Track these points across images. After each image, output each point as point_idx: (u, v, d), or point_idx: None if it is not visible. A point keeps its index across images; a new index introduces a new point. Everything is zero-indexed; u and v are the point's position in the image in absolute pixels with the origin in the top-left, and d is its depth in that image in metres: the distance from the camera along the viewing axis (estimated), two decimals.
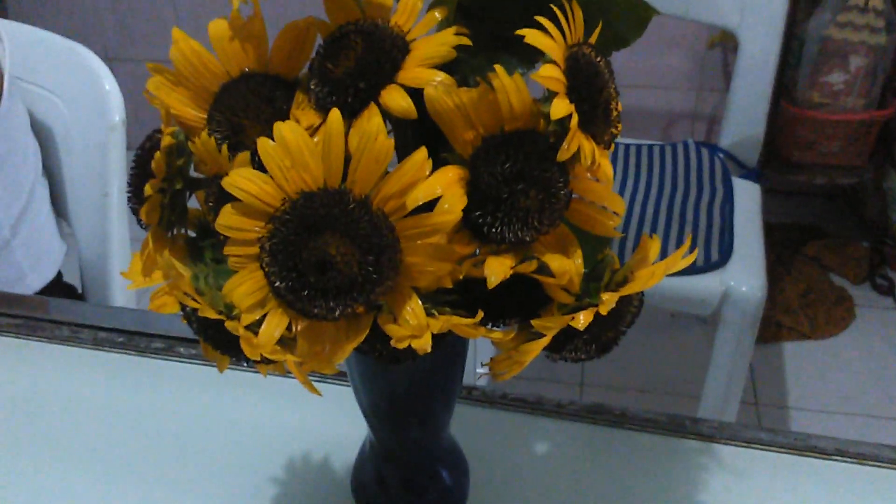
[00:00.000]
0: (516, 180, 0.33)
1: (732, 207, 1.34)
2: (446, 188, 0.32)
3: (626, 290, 0.36)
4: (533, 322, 0.34)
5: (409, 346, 0.35)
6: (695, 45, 2.01)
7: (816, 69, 1.72)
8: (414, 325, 0.33)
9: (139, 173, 0.38)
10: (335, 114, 0.32)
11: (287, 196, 0.32)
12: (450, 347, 0.45)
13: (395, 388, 0.46)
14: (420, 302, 0.33)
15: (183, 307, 0.35)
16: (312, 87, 0.35)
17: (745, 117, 1.51)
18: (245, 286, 0.33)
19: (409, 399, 0.47)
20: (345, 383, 0.64)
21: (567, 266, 0.34)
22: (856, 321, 1.89)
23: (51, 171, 1.01)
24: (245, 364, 0.35)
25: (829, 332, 1.85)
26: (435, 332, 0.33)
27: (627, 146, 1.50)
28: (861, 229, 2.05)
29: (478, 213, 0.34)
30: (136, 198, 0.38)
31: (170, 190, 0.37)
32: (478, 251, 0.35)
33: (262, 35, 0.37)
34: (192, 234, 0.38)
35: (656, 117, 2.09)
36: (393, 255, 0.32)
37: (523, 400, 0.59)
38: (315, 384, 0.35)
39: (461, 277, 0.34)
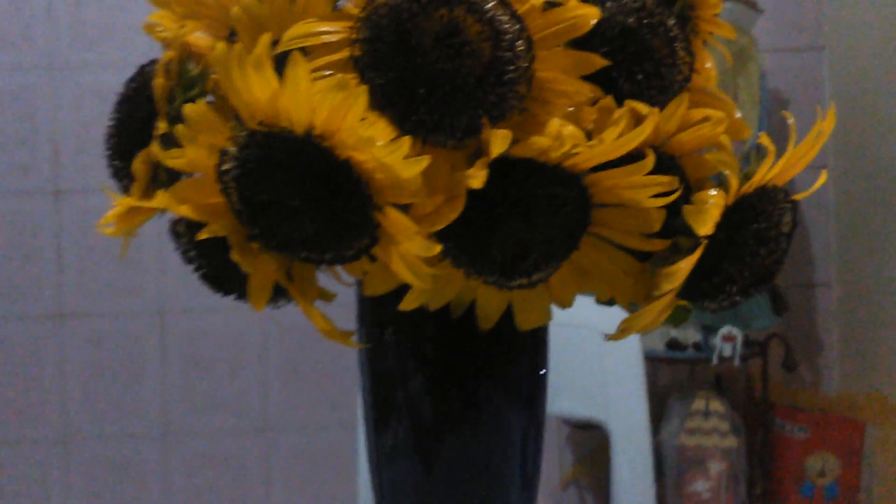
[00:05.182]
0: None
1: None
2: None
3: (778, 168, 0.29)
4: (708, 156, 0.26)
5: (534, 251, 0.26)
6: (549, 485, 1.98)
7: (680, 479, 1.72)
8: (567, 136, 0.24)
9: (124, 115, 0.29)
10: None
11: None
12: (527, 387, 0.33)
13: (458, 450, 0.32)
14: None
15: (222, 175, 0.23)
16: None
17: None
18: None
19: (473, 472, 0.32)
20: None
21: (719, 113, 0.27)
22: None
23: None
24: (310, 254, 0.23)
25: None
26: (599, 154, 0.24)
27: None
28: None
29: (604, 51, 0.27)
30: (119, 141, 0.29)
31: (182, 98, 0.28)
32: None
33: None
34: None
35: None
36: (527, 45, 0.24)
37: None
38: None
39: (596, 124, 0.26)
